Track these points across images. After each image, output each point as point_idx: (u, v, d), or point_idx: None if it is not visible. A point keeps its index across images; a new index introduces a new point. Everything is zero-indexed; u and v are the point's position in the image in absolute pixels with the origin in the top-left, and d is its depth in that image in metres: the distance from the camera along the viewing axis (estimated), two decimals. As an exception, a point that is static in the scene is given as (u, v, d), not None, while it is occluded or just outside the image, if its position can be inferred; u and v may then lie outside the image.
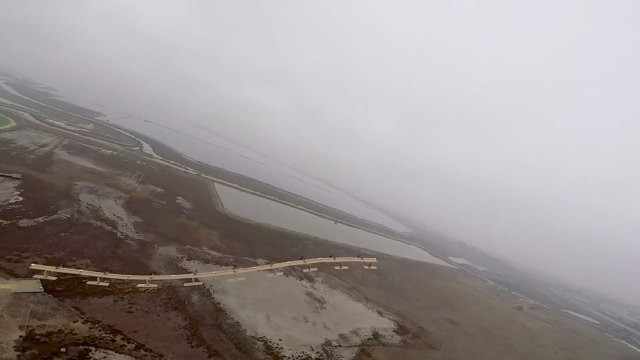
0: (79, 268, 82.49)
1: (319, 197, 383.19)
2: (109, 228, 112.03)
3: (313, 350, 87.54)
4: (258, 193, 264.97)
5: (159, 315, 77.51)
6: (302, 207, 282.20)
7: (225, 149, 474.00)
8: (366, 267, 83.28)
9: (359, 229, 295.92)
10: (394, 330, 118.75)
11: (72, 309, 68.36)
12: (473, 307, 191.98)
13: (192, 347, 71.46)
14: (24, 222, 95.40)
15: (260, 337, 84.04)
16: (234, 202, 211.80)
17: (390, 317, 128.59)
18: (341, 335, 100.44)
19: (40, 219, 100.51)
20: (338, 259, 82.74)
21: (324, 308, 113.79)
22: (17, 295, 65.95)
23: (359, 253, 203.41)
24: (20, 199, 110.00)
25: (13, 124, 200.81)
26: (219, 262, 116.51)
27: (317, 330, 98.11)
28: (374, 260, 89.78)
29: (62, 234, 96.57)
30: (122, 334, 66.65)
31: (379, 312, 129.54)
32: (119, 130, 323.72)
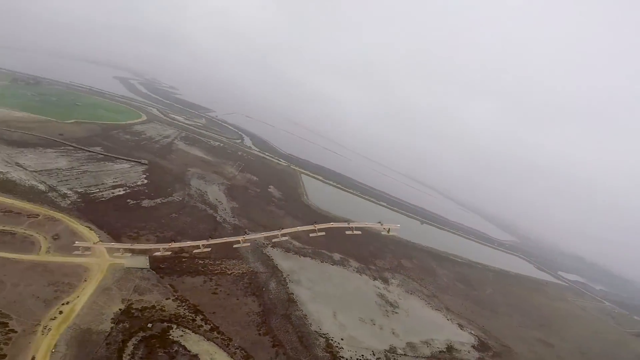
0: (182, 247, 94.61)
1: (404, 194, 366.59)
2: (210, 211, 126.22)
3: (374, 355, 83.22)
4: (340, 186, 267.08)
5: (238, 299, 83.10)
6: (385, 204, 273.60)
7: (312, 142, 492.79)
8: (383, 232, 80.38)
9: (449, 232, 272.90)
10: (473, 346, 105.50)
11: (168, 286, 77.72)
12: (576, 329, 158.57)
13: (259, 334, 74.50)
14: (145, 203, 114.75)
15: (323, 334, 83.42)
16: (317, 193, 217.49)
17: (472, 332, 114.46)
18: (409, 344, 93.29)
19: (158, 200, 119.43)
20: (352, 224, 77.96)
21: (396, 313, 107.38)
22: (128, 269, 77.96)
23: (442, 256, 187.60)
24: (146, 181, 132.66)
25: (144, 117, 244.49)
26: (298, 253, 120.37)
27: (383, 335, 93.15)
28: (397, 226, 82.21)
29: (174, 214, 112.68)
30: (203, 315, 72.71)
31: (460, 325, 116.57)
32: (225, 124, 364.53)
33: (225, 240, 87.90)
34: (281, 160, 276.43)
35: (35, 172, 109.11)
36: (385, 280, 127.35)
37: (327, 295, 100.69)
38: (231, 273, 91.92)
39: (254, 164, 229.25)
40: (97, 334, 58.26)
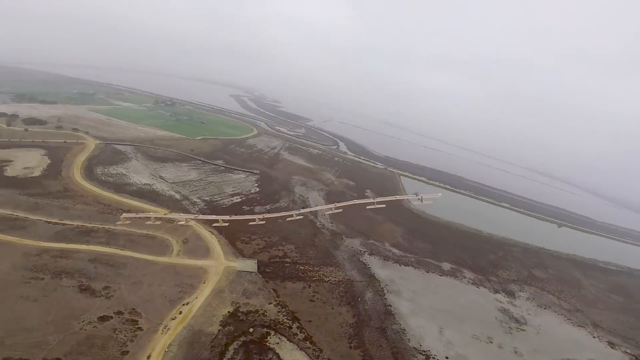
0: (285, 252, 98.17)
1: (533, 192, 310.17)
2: (311, 217, 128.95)
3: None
4: (448, 187, 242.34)
5: (333, 308, 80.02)
6: (508, 205, 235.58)
7: (410, 142, 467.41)
8: (416, 201, 72.75)
9: (597, 235, 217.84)
10: (626, 366, 78.37)
11: (271, 290, 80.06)
12: None
13: (350, 347, 69.61)
14: (257, 209, 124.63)
15: (424, 351, 73.25)
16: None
17: (628, 351, 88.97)
18: (535, 364, 74.87)
19: (267, 207, 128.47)
20: (378, 199, 59.89)
21: (522, 330, 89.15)
22: (239, 273, 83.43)
23: (589, 264, 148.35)
24: (258, 190, 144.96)
25: (255, 132, 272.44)
26: (398, 261, 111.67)
27: (501, 355, 77.93)
28: (438, 195, 64.41)
29: (280, 220, 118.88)
30: (299, 322, 71.76)
31: (610, 343, 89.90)
32: (322, 132, 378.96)
33: (278, 215, 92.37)
34: (377, 163, 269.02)
35: (173, 183, 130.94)
36: (510, 294, 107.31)
37: (432, 309, 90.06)
38: (328, 280, 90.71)
39: (350, 169, 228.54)
40: (205, 335, 62.41)
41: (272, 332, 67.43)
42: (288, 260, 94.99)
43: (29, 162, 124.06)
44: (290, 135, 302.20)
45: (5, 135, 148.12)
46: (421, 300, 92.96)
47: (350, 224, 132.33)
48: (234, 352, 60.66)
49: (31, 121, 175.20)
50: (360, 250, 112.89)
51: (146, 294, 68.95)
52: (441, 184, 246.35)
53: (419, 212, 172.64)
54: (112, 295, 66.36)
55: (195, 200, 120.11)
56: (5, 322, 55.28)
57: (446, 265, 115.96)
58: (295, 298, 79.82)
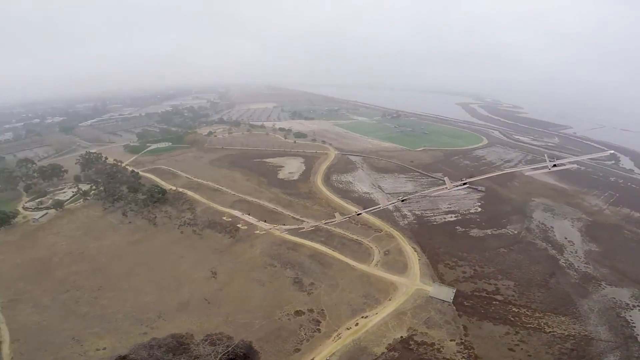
0: (498, 288, 76.37)
1: None
2: (553, 252, 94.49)
3: None
4: None
5: None
6: None
7: None
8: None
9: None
10: None
11: (460, 326, 64.96)
12: None
13: None
14: (474, 232, 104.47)
15: None
16: None
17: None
18: None
19: (488, 231, 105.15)
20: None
21: None
22: (430, 299, 71.43)
23: None
24: (479, 210, 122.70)
25: (485, 141, 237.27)
26: None
27: None
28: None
29: (502, 249, 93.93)
30: None
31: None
32: (589, 142, 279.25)
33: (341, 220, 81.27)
34: None
35: (389, 193, 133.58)
36: None
37: None
38: (550, 332, 65.03)
39: (637, 194, 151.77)
40: (367, 355, 57.95)
41: None
42: (499, 298, 74.25)
43: (292, 168, 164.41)
44: (534, 145, 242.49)
45: (282, 146, 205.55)
46: None
47: (620, 268, 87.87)
48: None
49: (298, 135, 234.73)
50: (628, 304, 74.25)
51: (337, 298, 71.69)
52: None
53: None
54: (312, 292, 73.12)
55: (406, 213, 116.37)
56: (237, 300, 70.98)
57: None
58: (488, 342, 62.42)
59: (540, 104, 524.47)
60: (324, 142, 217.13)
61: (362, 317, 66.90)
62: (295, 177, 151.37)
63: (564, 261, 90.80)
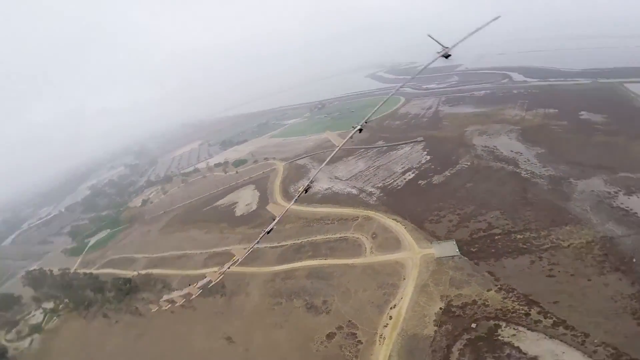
0: (490, 222, 78.96)
1: None
2: (510, 167, 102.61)
3: None
4: None
5: (590, 280, 57.99)
6: None
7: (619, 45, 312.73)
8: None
9: None
10: None
11: (486, 274, 64.79)
12: None
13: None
14: (436, 179, 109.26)
15: None
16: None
17: None
18: None
19: (447, 173, 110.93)
20: None
21: None
22: (439, 260, 71.49)
23: None
24: (428, 157, 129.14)
25: (403, 100, 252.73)
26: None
27: None
28: None
29: (468, 184, 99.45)
30: (539, 306, 55.13)
31: None
32: (480, 72, 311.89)
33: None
34: (579, 79, 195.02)
35: (347, 180, 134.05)
36: None
37: None
38: (569, 245, 66.74)
39: (541, 97, 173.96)
40: (422, 339, 55.95)
41: (503, 324, 54.62)
42: (497, 231, 76.44)
43: (247, 199, 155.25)
44: (442, 87, 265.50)
45: (226, 182, 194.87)
46: None
47: (573, 160, 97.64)
48: (459, 354, 52.15)
49: (237, 163, 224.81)
50: (610, 193, 80.00)
51: (356, 303, 68.81)
52: None
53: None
54: (330, 309, 69.40)
55: (371, 189, 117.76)
56: (268, 353, 65.14)
57: None
58: (523, 277, 62.65)
59: (426, 53, 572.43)
60: (266, 158, 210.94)
61: (391, 308, 64.58)
62: (255, 207, 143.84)
63: (525, 172, 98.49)
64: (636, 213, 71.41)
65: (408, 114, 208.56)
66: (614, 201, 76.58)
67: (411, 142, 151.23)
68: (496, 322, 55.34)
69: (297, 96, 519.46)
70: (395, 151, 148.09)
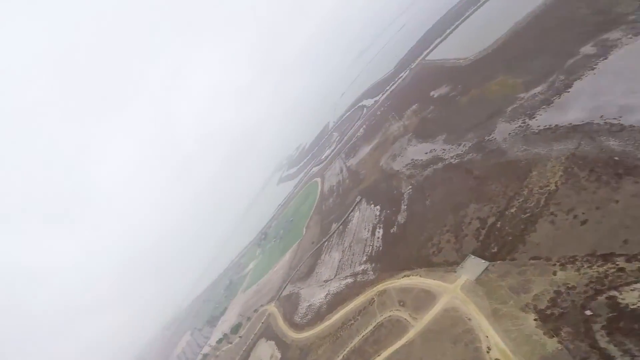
0: (477, 217, 78.78)
1: None
2: (439, 165, 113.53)
3: None
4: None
5: (617, 202, 53.55)
6: None
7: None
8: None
9: None
10: None
11: (531, 261, 60.78)
12: None
13: None
14: (400, 219, 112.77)
15: None
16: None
17: None
18: None
19: (403, 207, 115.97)
20: None
21: None
22: (479, 280, 64.94)
23: None
24: (378, 207, 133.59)
25: (319, 179, 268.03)
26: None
27: None
28: None
29: (427, 202, 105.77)
30: (617, 255, 49.73)
31: None
32: (343, 118, 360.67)
33: None
34: (401, 74, 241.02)
35: (336, 276, 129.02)
36: None
37: None
38: (555, 183, 65.72)
39: (396, 103, 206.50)
40: (555, 356, 47.70)
41: (612, 293, 47.01)
42: (492, 220, 73.27)
43: (268, 353, 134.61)
44: (335, 148, 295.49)
45: (239, 349, 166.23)
46: None
47: (471, 122, 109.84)
48: (610, 343, 43.75)
49: (235, 329, 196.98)
50: (521, 125, 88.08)
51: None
52: None
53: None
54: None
55: (361, 268, 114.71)
56: None
57: None
58: (564, 241, 56.84)
59: (302, 134, 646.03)
60: (255, 310, 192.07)
61: (487, 352, 55.74)
62: (280, 355, 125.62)
63: (453, 159, 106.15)
64: (557, 124, 77.61)
65: (332, 186, 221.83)
66: (533, 127, 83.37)
67: (354, 206, 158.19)
68: (602, 296, 46.96)
69: (239, 242, 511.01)
70: (350, 222, 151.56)
